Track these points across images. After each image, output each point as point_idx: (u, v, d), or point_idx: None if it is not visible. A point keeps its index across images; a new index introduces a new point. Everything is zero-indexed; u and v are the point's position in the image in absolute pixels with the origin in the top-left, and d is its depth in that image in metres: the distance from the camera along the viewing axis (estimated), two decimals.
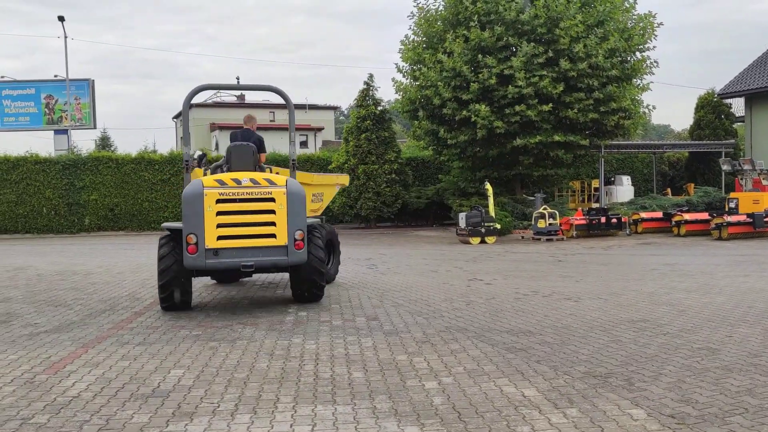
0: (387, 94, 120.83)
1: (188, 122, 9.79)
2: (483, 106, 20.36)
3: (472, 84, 20.49)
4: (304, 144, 47.78)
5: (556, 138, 20.61)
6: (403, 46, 23.57)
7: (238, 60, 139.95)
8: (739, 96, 28.36)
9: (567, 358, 5.96)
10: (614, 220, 20.00)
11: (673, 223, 19.84)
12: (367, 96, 24.91)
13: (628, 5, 22.13)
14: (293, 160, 9.39)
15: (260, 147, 9.33)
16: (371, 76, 25.10)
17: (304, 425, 4.38)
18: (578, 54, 19.99)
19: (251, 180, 8.29)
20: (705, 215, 19.72)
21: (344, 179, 12.71)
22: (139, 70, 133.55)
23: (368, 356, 6.11)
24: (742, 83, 28.00)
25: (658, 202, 23.55)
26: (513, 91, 20.00)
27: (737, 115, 30.37)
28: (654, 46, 25.10)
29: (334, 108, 56.68)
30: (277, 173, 9.12)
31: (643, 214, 21.04)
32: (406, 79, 23.68)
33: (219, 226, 8.00)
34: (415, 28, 23.33)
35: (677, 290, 9.57)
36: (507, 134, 21.13)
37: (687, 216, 19.66)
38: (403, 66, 23.75)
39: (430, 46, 22.68)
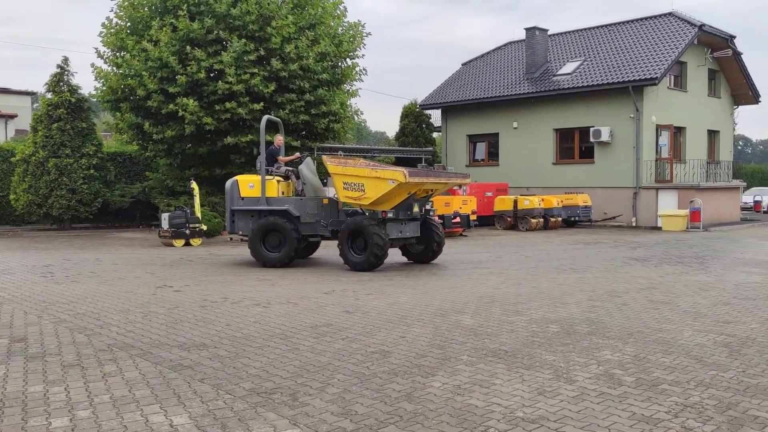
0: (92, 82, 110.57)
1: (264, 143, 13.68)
2: (191, 101, 19.32)
3: (179, 77, 19.32)
4: None
5: (268, 138, 20.31)
6: (104, 30, 21.42)
7: None
8: (437, 108, 31.07)
9: (235, 373, 5.46)
10: None
11: None
12: (61, 81, 22.18)
13: (339, 12, 22.74)
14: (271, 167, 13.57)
15: (269, 157, 13.63)
16: (66, 59, 22.39)
17: None
18: (290, 55, 19.96)
19: None
20: None
21: (392, 174, 11.49)
22: None
23: None
24: (440, 96, 30.72)
25: None
26: (223, 87, 19.27)
27: (436, 125, 33.31)
28: (363, 55, 26.27)
29: (32, 93, 50.34)
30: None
31: None
32: (108, 66, 21.58)
33: None
34: (118, 11, 21.35)
35: (366, 291, 9.72)
36: (217, 131, 20.36)
37: None
38: (104, 51, 21.61)
39: (135, 32, 20.93)
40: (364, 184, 11.87)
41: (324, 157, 12.69)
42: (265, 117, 13.97)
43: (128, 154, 25.28)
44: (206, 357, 5.96)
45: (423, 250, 13.16)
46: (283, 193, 13.32)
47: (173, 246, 16.87)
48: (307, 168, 13.38)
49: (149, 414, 4.50)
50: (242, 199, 13.22)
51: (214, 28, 19.68)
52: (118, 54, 21.35)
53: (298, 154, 14.77)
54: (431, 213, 13.22)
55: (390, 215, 11.96)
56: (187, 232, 17.06)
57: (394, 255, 13.78)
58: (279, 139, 14.42)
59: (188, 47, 19.54)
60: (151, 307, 8.37)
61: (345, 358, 5.94)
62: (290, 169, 13.72)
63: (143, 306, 8.48)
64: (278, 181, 13.27)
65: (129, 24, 21.27)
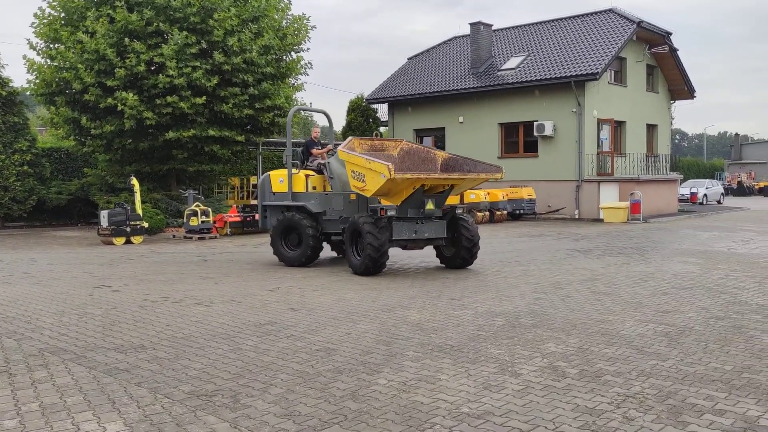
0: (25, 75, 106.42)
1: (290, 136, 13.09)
2: (131, 95, 18.74)
3: (118, 70, 18.71)
4: None
5: (211, 132, 19.93)
6: (36, 20, 20.59)
7: None
8: (383, 102, 31.02)
9: (175, 375, 5.27)
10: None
11: None
12: None
13: (283, 5, 22.41)
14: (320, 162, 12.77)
15: (304, 151, 13.10)
16: None
17: None
18: (233, 48, 19.56)
19: None
20: None
21: (380, 167, 10.12)
22: None
23: None
24: (386, 91, 30.67)
25: None
26: (164, 80, 18.75)
27: (383, 119, 33.26)
28: (308, 48, 25.97)
29: None
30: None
31: None
32: (42, 58, 20.76)
33: None
34: (51, 1, 20.53)
35: (312, 287, 9.59)
36: (159, 126, 19.82)
37: None
38: (37, 43, 20.78)
39: (70, 23, 20.17)
40: (364, 174, 10.55)
41: (351, 138, 11.74)
42: (294, 108, 13.12)
43: (65, 150, 24.40)
44: (144, 359, 5.75)
45: (453, 255, 11.72)
46: (314, 187, 12.36)
47: (113, 244, 16.35)
48: (337, 161, 12.25)
49: (81, 422, 4.29)
50: (274, 194, 12.58)
51: (154, 19, 19.12)
52: (51, 46, 20.57)
53: (330, 146, 13.52)
54: (458, 210, 11.74)
55: (391, 213, 10.62)
56: (128, 229, 16.56)
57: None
58: (316, 131, 13.58)
59: (127, 39, 18.93)
60: (87, 309, 8.06)
61: (289, 357, 5.82)
62: (323, 162, 12.73)
63: (79, 307, 8.16)
64: (307, 176, 12.39)
65: (63, 15, 20.49)
